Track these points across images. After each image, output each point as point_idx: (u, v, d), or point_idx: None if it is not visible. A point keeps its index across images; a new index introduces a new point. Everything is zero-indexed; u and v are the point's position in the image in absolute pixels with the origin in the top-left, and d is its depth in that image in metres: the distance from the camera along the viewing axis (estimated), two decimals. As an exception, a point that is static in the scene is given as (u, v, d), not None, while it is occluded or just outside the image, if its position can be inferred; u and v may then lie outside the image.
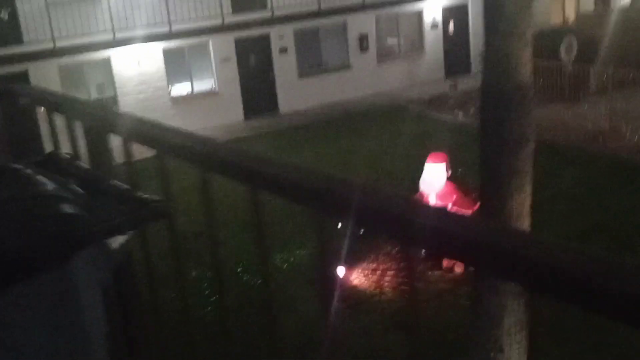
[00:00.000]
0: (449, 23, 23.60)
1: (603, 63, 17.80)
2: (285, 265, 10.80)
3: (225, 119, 20.40)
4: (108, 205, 1.31)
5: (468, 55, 23.98)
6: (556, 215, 11.38)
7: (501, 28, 4.96)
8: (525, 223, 5.39)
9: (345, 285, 9.96)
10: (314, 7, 21.03)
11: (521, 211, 5.29)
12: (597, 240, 10.37)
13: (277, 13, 20.59)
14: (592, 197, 12.26)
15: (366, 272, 10.30)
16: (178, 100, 20.17)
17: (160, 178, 1.85)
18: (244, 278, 10.53)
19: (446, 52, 23.67)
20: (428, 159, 10.39)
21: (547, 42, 19.03)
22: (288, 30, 21.02)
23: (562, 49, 18.07)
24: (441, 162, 10.29)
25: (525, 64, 5.10)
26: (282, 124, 20.11)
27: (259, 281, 10.33)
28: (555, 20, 24.39)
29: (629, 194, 12.24)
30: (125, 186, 1.48)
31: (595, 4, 24.58)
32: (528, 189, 5.31)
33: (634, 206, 11.61)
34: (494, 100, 5.22)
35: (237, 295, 9.97)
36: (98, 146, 2.04)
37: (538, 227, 10.18)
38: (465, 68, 23.78)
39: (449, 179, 10.28)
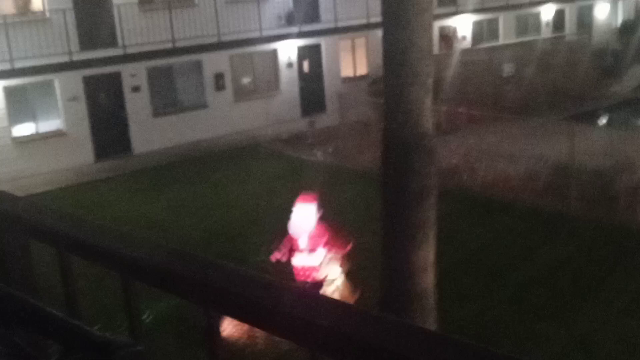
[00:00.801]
0: (303, 62, 23.85)
1: (449, 102, 18.64)
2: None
3: (74, 161, 19.23)
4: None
5: (323, 94, 24.31)
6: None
7: (403, 76, 4.84)
8: (430, 276, 5.27)
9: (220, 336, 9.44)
10: (168, 45, 20.48)
11: (426, 264, 5.17)
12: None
13: (129, 50, 19.84)
14: (451, 234, 12.58)
15: (237, 323, 9.85)
16: (21, 141, 18.76)
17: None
18: None
19: (302, 91, 23.87)
20: (297, 200, 10.16)
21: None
22: (140, 68, 20.29)
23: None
24: (311, 202, 10.09)
25: (427, 113, 5.01)
26: (136, 166, 19.25)
27: None
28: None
29: (485, 230, 12.66)
30: (73, 321, 1.07)
31: (440, 46, 25.82)
32: (432, 241, 5.20)
33: (489, 243, 12.00)
34: (396, 151, 5.07)
35: None
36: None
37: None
38: (321, 106, 24.08)
39: (319, 220, 10.08)
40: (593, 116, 20.91)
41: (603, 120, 20.77)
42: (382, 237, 5.31)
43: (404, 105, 4.93)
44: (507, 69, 21.84)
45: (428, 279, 5.24)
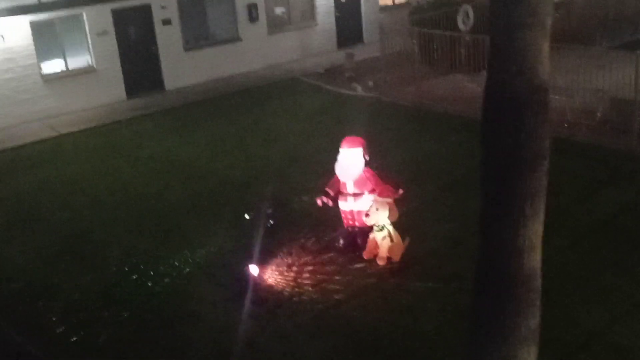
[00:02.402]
0: (339, -8, 22.76)
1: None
2: (189, 267, 9.66)
3: (105, 98, 18.71)
4: None
5: (360, 24, 23.26)
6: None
7: (517, 15, 4.03)
8: (537, 256, 4.59)
9: (260, 286, 8.99)
10: (198, -25, 19.61)
11: (535, 242, 4.48)
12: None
13: (159, -19, 19.01)
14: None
15: (281, 269, 9.37)
16: (51, 79, 18.22)
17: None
18: (144, 283, 9.32)
19: (338, 21, 22.84)
20: (343, 144, 9.52)
21: (444, 12, 18.62)
22: (172, 0, 19.46)
23: (459, 19, 17.64)
24: (357, 146, 9.44)
25: (544, 61, 4.19)
26: (169, 102, 18.66)
27: (160, 287, 9.20)
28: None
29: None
30: None
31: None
32: (542, 215, 4.48)
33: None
34: (504, 108, 4.29)
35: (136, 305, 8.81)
36: None
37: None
38: (358, 37, 23.09)
39: (367, 164, 9.45)
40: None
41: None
42: (481, 211, 4.60)
43: (518, 51, 4.12)
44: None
45: (536, 258, 4.57)
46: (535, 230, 4.43)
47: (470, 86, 16.62)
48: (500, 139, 4.34)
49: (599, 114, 13.40)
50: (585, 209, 10.11)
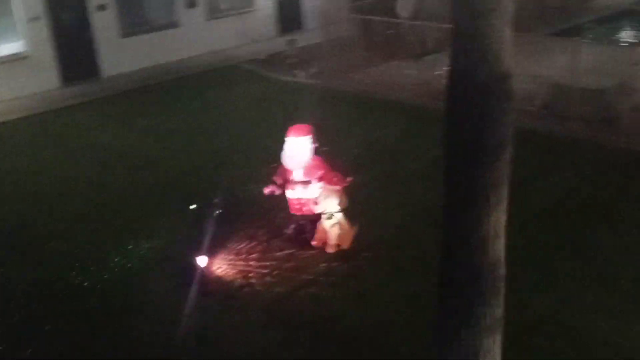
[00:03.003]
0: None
1: (439, 19, 17.70)
2: (135, 260, 9.40)
3: (38, 86, 18.00)
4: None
5: (301, 11, 23.08)
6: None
7: (479, 3, 3.95)
8: (501, 244, 4.56)
9: (209, 277, 8.82)
10: (133, -42, 19.06)
11: (498, 230, 4.46)
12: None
13: (93, -35, 18.39)
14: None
15: (231, 259, 9.22)
16: (-21, 66, 17.45)
17: None
18: (88, 277, 9.02)
19: (279, 7, 22.60)
20: (289, 132, 9.39)
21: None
22: (106, -16, 18.89)
23: (399, 6, 17.69)
24: (305, 134, 9.34)
25: (508, 48, 4.14)
26: (106, 90, 18.11)
27: (103, 281, 8.92)
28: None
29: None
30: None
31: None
32: (505, 203, 4.45)
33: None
34: (468, 96, 4.22)
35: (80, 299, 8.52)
36: None
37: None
38: (299, 24, 22.90)
39: (315, 152, 9.35)
40: (580, 31, 20.12)
41: (591, 35, 19.99)
42: (444, 200, 4.54)
43: (481, 38, 4.06)
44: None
45: (501, 247, 4.56)
46: (499, 218, 4.44)
47: (412, 73, 16.73)
48: (464, 127, 4.30)
49: (539, 101, 13.64)
50: (531, 195, 10.27)
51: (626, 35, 17.82)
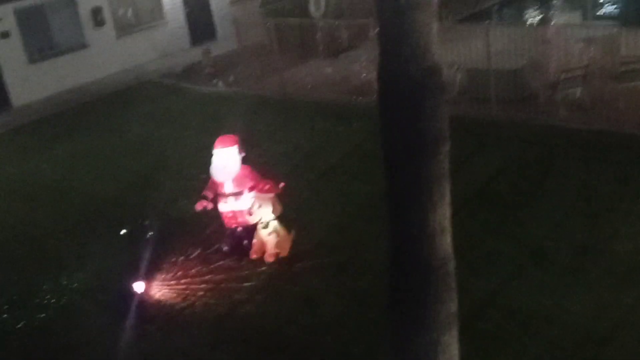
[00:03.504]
0: (185, -12, 22.19)
1: (352, 15, 17.82)
2: (68, 294, 9.05)
3: (-54, 122, 17.20)
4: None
5: (212, 20, 22.81)
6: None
7: None
8: (448, 239, 4.53)
9: (148, 303, 8.58)
10: (33, -18, 18.41)
11: (445, 225, 4.41)
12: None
13: (-10, -8, 17.67)
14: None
15: (168, 281, 8.99)
16: None
17: None
18: (21, 318, 8.63)
19: (189, 18, 22.27)
20: (216, 144, 9.24)
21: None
22: (7, 10, 18.15)
23: (311, 5, 17.70)
24: (231, 145, 9.20)
25: (434, 42, 4.10)
26: (17, 120, 17.42)
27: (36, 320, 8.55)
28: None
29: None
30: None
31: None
32: (448, 197, 4.42)
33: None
34: (399, 92, 4.17)
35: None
36: None
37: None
38: (211, 33, 22.62)
39: (243, 161, 9.23)
40: (488, 15, 20.61)
41: (499, 18, 20.52)
42: (387, 199, 4.49)
43: (408, 34, 4.01)
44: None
45: (448, 241, 4.53)
46: (443, 213, 4.42)
47: (329, 71, 16.76)
48: (399, 124, 4.27)
49: (456, 87, 13.86)
50: (458, 179, 10.36)
51: (533, 15, 18.33)
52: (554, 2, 18.67)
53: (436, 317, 4.56)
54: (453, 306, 4.64)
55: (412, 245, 4.44)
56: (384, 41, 4.15)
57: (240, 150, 9.23)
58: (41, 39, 19.07)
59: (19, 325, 8.45)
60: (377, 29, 4.20)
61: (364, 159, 11.61)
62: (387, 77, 4.20)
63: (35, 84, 18.65)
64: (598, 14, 17.53)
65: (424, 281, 4.48)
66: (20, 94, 18.51)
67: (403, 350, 4.77)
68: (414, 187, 4.28)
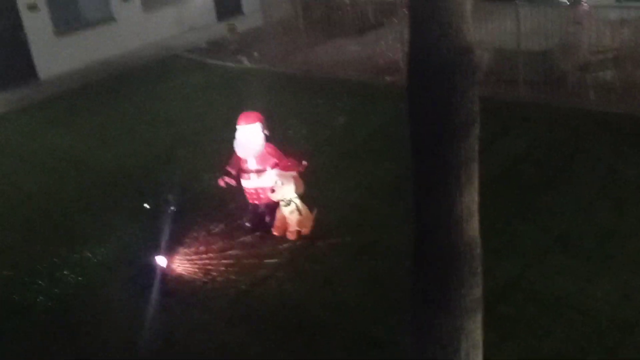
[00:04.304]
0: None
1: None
2: (91, 267, 9.12)
3: (-28, 94, 17.36)
4: None
5: (238, -5, 22.71)
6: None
7: None
8: (475, 223, 4.45)
9: (169, 277, 8.62)
10: (61, -46, 18.39)
11: (472, 208, 4.33)
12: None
13: (19, -36, 17.70)
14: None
15: (190, 256, 9.02)
16: None
17: None
18: (44, 289, 8.71)
19: (215, -7, 22.19)
20: (240, 120, 9.19)
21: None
22: (35, -17, 18.22)
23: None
24: (255, 122, 9.15)
25: (468, 21, 3.99)
26: (45, 93, 17.52)
27: (62, 292, 8.63)
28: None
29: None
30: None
31: None
32: (477, 181, 4.33)
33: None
34: (430, 72, 4.06)
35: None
36: None
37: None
38: (237, 8, 22.52)
39: (267, 138, 9.18)
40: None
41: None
42: (413, 182, 4.41)
43: (441, 12, 3.89)
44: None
45: (475, 226, 4.45)
46: (472, 197, 4.33)
47: (355, 49, 16.61)
48: (428, 105, 4.17)
49: (484, 67, 13.65)
50: (485, 161, 10.22)
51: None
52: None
53: (461, 302, 4.48)
54: (478, 292, 4.57)
55: (438, 230, 4.36)
56: (415, 19, 4.04)
57: (264, 127, 9.17)
58: (69, 12, 19.10)
59: (40, 298, 8.52)
60: (406, 6, 4.09)
61: (388, 140, 11.52)
62: (418, 57, 4.10)
63: (61, 57, 18.72)
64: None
65: (449, 266, 4.40)
66: (47, 67, 18.60)
67: (426, 335, 4.71)
68: (442, 170, 4.19)
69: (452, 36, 3.96)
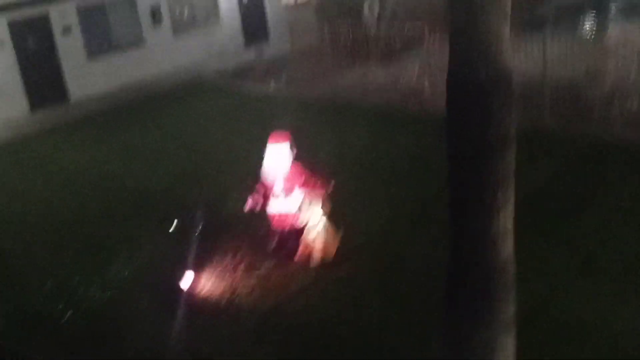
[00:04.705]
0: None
1: (404, 20, 17.78)
2: (120, 282, 9.25)
3: (6, 113, 17.70)
4: None
5: (265, 22, 23.04)
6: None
7: (478, 0, 3.91)
8: (510, 240, 4.55)
9: (197, 295, 8.71)
10: (96, -19, 18.85)
11: (508, 227, 4.44)
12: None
13: (56, -11, 18.16)
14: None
15: (217, 275, 9.12)
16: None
17: None
18: (75, 303, 8.84)
19: (243, 20, 22.53)
20: (270, 140, 9.33)
21: (350, 4, 18.71)
22: (70, 7, 18.65)
23: (366, 7, 17.75)
24: (284, 141, 9.28)
25: (506, 46, 4.12)
26: (75, 114, 17.87)
27: (93, 305, 8.77)
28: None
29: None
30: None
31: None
32: (513, 201, 4.43)
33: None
34: (469, 95, 4.19)
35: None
36: None
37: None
38: (265, 36, 22.85)
39: (294, 160, 9.30)
40: (543, 23, 20.25)
41: (556, 27, 20.17)
42: (450, 201, 4.52)
43: (480, 37, 4.03)
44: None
45: (510, 245, 4.54)
46: (507, 216, 4.42)
47: (382, 75, 16.77)
48: (467, 127, 4.28)
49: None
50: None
51: (591, 24, 18.00)
52: (615, 12, 18.32)
53: (496, 317, 4.55)
54: (512, 308, 4.64)
55: (475, 247, 4.45)
56: (455, 43, 4.16)
57: (292, 147, 9.29)
58: (100, 36, 19.50)
59: (67, 312, 8.65)
60: (445, 28, 4.20)
61: (413, 164, 11.60)
62: (457, 80, 4.22)
63: (93, 80, 19.09)
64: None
65: (485, 282, 4.48)
66: (78, 89, 18.96)
67: (460, 349, 4.77)
68: (480, 189, 4.29)
69: (490, 60, 4.07)
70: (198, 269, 9.17)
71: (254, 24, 22.68)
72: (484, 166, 4.27)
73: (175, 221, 10.50)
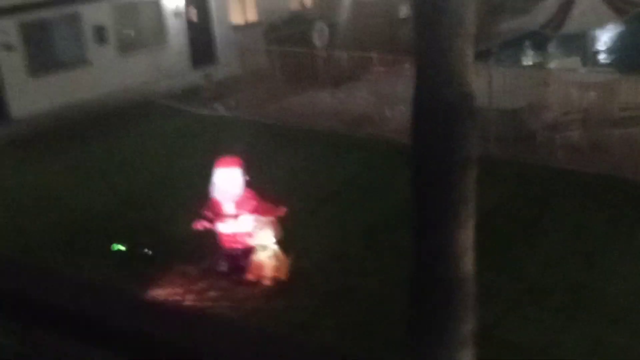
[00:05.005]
0: (189, 10, 22.36)
1: (352, 47, 18.01)
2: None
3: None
4: None
5: (214, 44, 23.00)
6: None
7: (445, 26, 4.03)
8: (470, 260, 4.61)
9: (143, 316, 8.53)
10: (40, -3, 18.50)
11: (468, 246, 4.51)
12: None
13: (-3, 4, 17.76)
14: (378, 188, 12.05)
15: (164, 299, 8.95)
16: None
17: None
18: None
19: (191, 42, 22.44)
20: (219, 164, 9.29)
21: (296, 28, 18.85)
22: (11, 24, 18.24)
23: (315, 35, 17.92)
24: (235, 166, 9.26)
25: (471, 69, 4.24)
26: (16, 133, 17.33)
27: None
28: (293, 5, 24.31)
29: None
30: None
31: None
32: (473, 219, 4.52)
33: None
34: (434, 116, 4.28)
35: None
36: None
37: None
38: (212, 57, 22.79)
39: (245, 184, 9.28)
40: (489, 54, 20.79)
41: (500, 58, 20.75)
42: (414, 219, 4.58)
43: (447, 60, 4.15)
44: (405, 10, 21.32)
45: (469, 262, 4.61)
46: (468, 234, 4.51)
47: (329, 101, 16.91)
48: (431, 146, 4.38)
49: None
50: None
51: (532, 57, 18.56)
52: (554, 46, 18.95)
53: (454, 334, 4.62)
54: (470, 325, 4.72)
55: (436, 264, 4.53)
56: (422, 65, 4.27)
57: (243, 172, 9.28)
58: (44, 53, 19.13)
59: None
60: (413, 54, 4.30)
61: (361, 189, 11.71)
62: (423, 101, 4.33)
63: (35, 98, 18.64)
64: (597, 59, 17.81)
65: (446, 300, 4.56)
66: (20, 107, 18.49)
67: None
68: (442, 207, 4.38)
69: (455, 83, 4.20)
70: (145, 291, 9.00)
71: (202, 45, 22.60)
72: (448, 184, 4.37)
73: (120, 243, 10.32)
